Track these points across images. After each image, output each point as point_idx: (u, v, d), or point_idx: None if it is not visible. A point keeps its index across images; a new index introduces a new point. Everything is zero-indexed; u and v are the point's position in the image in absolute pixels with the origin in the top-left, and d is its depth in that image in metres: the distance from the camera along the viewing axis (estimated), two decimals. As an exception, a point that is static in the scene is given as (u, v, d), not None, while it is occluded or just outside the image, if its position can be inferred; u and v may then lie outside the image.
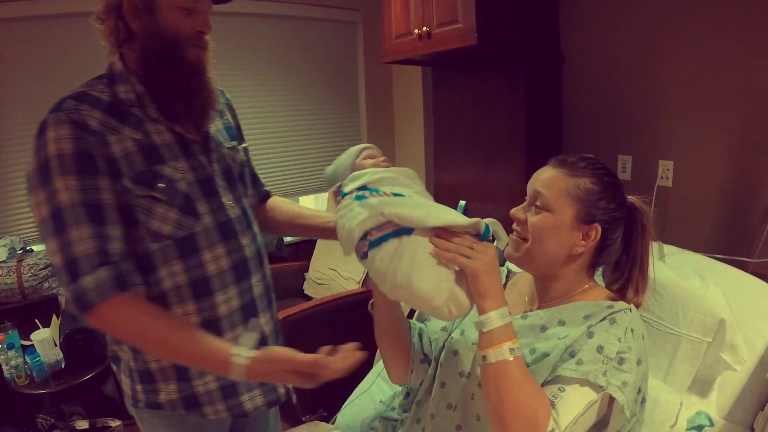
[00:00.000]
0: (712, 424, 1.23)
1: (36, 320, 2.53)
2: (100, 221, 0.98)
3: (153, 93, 1.08)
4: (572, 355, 0.97)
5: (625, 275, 1.12)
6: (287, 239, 3.47)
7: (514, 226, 1.11)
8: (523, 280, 1.25)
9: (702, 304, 1.39)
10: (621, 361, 0.94)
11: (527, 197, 1.11)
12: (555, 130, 2.56)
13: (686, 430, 1.24)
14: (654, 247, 1.69)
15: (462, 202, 2.91)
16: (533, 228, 1.06)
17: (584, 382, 0.93)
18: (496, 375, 0.90)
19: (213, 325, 1.14)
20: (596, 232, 1.05)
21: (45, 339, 2.38)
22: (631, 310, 1.02)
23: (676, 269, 1.54)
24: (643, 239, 1.11)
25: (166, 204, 1.06)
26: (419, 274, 0.92)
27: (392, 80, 3.82)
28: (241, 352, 1.01)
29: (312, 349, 1.04)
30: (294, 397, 1.32)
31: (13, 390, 2.36)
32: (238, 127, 1.35)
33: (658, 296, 1.47)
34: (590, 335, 0.98)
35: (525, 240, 1.08)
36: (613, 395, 0.92)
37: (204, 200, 1.13)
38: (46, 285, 2.56)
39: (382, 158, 1.16)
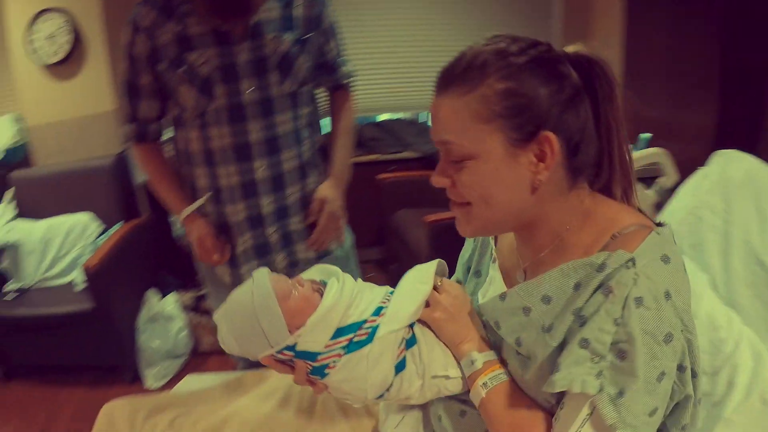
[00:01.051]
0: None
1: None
2: (135, 97, 1.35)
3: None
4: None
5: (605, 162, 0.78)
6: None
7: (448, 194, 0.80)
8: None
9: None
10: (621, 355, 0.65)
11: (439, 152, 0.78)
12: (761, 65, 2.09)
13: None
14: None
15: (647, 135, 2.60)
16: (466, 190, 0.76)
17: (575, 396, 0.68)
18: (484, 414, 0.79)
19: (217, 193, 1.37)
20: (550, 142, 0.71)
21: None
22: (634, 263, 0.67)
23: None
24: (611, 103, 0.75)
25: (188, 84, 1.27)
26: (450, 362, 0.85)
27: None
28: (185, 209, 1.39)
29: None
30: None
31: (180, 246, 2.71)
32: (307, 19, 1.35)
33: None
34: (581, 321, 0.69)
35: (468, 204, 0.77)
36: (598, 407, 0.65)
37: (222, 83, 1.27)
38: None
39: (294, 282, 0.88)
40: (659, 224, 0.75)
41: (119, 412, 1.02)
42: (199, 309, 2.77)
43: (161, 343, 2.59)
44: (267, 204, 1.37)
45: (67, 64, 2.92)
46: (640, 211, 0.79)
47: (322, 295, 0.85)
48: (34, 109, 3.05)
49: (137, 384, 2.53)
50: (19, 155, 3.10)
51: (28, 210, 2.88)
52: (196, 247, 1.41)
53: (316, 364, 0.82)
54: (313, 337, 0.81)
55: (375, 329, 0.83)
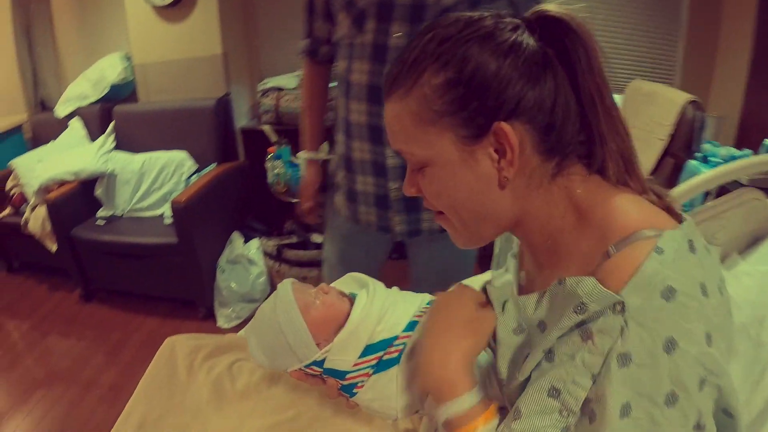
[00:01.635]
0: None
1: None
2: (312, 14, 1.46)
3: None
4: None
5: (596, 138, 0.63)
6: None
7: (426, 204, 0.71)
8: None
9: None
10: (591, 416, 0.55)
11: None
12: None
13: None
14: None
15: (769, 140, 2.35)
16: (432, 199, 0.68)
17: None
18: None
19: (347, 125, 1.38)
20: (506, 135, 0.59)
21: (308, 158, 2.67)
22: (623, 308, 0.53)
23: None
24: (590, 67, 0.60)
25: (345, 12, 1.30)
26: None
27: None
28: (303, 153, 1.62)
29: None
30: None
31: (271, 194, 2.75)
32: None
33: None
34: (550, 357, 0.60)
35: (443, 213, 0.70)
36: None
37: (375, 20, 1.26)
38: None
39: (317, 290, 0.84)
40: (673, 212, 0.62)
41: (180, 347, 1.03)
42: (280, 257, 2.81)
43: (238, 285, 2.67)
44: (391, 155, 1.34)
45: (178, 8, 3.00)
46: (652, 191, 0.65)
47: (351, 303, 0.81)
48: (143, 49, 3.18)
49: (209, 322, 2.64)
50: (126, 92, 3.26)
51: (126, 143, 3.03)
52: (301, 186, 1.65)
53: (344, 383, 0.78)
54: (341, 355, 0.77)
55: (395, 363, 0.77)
